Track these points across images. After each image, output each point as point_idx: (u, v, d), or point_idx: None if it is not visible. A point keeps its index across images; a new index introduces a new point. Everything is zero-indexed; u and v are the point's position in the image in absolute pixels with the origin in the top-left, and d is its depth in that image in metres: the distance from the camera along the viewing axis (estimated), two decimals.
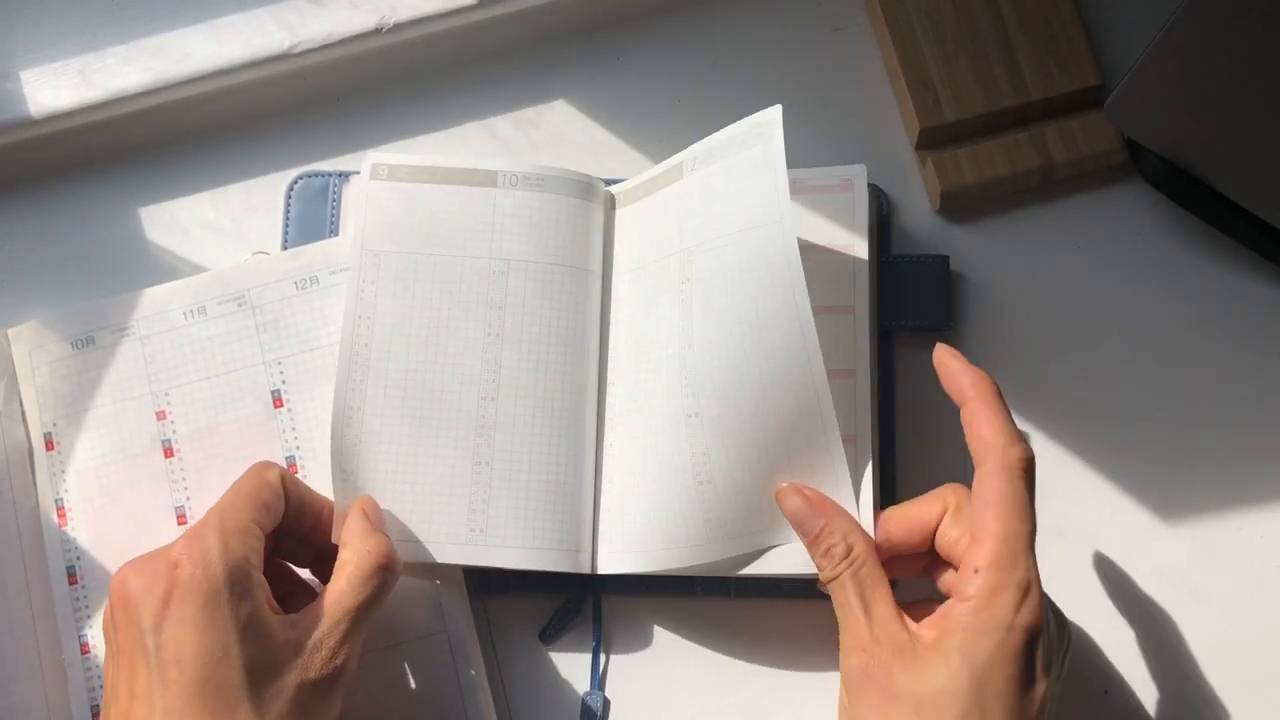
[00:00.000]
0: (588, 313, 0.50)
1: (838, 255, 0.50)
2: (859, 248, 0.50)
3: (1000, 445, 0.42)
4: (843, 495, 0.45)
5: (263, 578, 0.41)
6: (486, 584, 0.50)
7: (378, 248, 0.49)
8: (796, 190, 0.51)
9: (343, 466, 0.47)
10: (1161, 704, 0.49)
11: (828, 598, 0.45)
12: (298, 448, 0.49)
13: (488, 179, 0.50)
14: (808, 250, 0.50)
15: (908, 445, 0.51)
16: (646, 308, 0.49)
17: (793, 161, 0.54)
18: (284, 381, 0.50)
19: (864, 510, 0.48)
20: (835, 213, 0.51)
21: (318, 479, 0.49)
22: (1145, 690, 0.49)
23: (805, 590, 0.49)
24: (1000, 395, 0.44)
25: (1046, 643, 0.41)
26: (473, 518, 0.48)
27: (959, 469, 0.51)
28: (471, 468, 0.48)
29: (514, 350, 0.49)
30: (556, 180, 0.50)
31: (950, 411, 0.52)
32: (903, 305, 0.51)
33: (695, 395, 0.47)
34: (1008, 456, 0.42)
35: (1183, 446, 0.52)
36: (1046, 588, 0.50)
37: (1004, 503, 0.41)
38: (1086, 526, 0.51)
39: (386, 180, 0.50)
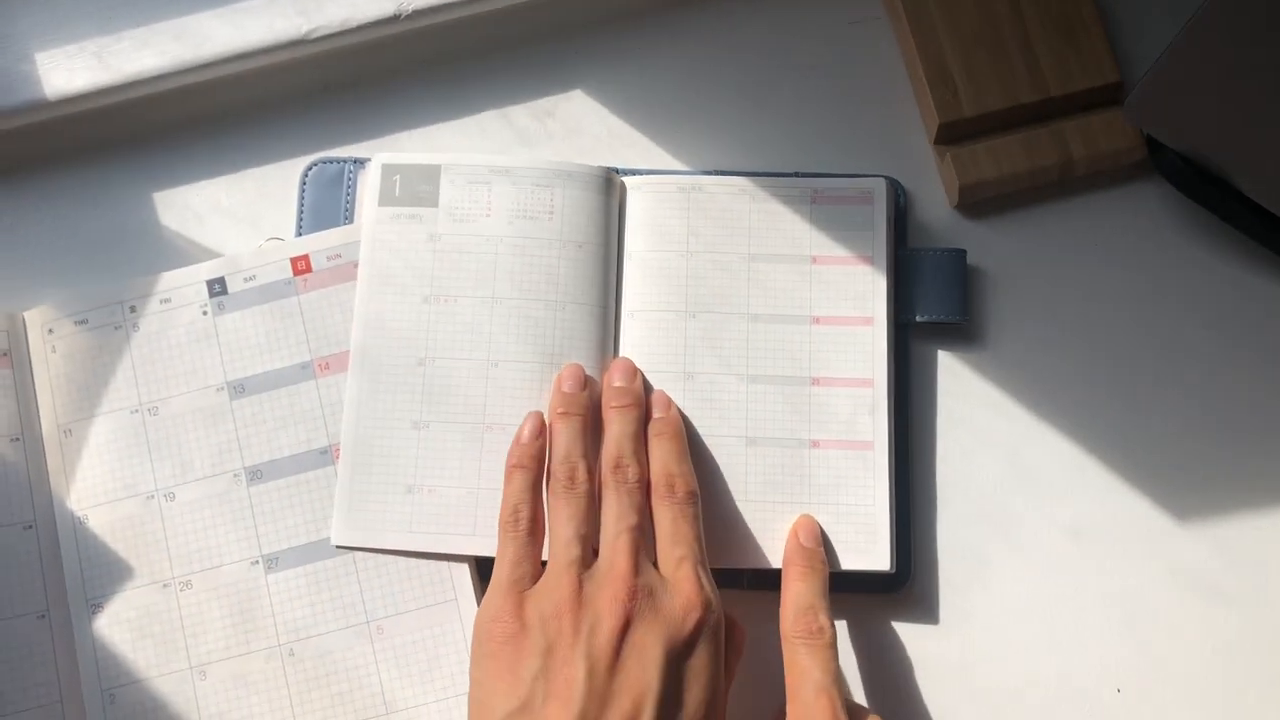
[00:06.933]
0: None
1: (856, 267, 0.50)
2: (878, 260, 0.50)
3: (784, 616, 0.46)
4: None
5: None
6: None
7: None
8: (815, 199, 0.51)
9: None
10: (1175, 703, 0.49)
11: (830, 590, 0.47)
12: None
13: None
14: (826, 261, 0.50)
15: (922, 443, 0.51)
16: None
17: (811, 157, 0.54)
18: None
19: (879, 513, 0.48)
20: (854, 224, 0.51)
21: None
22: (1159, 689, 0.49)
23: None
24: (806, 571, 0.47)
25: None
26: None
27: (970, 461, 0.51)
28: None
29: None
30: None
31: (963, 407, 0.52)
32: (919, 299, 0.51)
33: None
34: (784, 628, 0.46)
35: (1200, 445, 0.51)
36: (1060, 586, 0.50)
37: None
38: (1103, 524, 0.51)
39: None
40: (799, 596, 0.46)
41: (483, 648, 0.43)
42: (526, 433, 0.47)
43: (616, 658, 0.41)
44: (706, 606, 0.43)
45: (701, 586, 0.43)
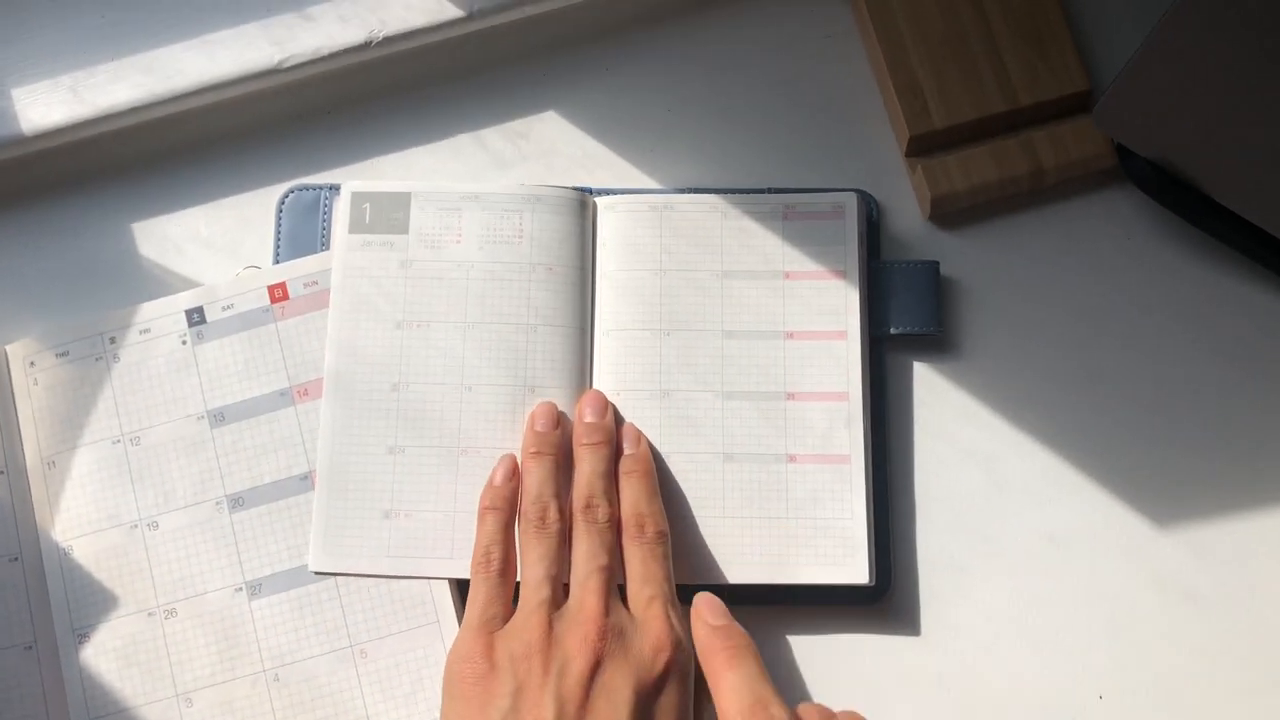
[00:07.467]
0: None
1: (828, 281, 0.51)
2: (850, 274, 0.51)
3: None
4: None
5: None
6: None
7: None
8: (787, 215, 0.51)
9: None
10: (1157, 708, 0.49)
11: (811, 603, 0.47)
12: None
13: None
14: (798, 276, 0.50)
15: (898, 454, 0.52)
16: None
17: (785, 172, 0.54)
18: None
19: (856, 526, 0.49)
20: (825, 239, 0.51)
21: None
22: (1141, 694, 0.50)
23: (794, 597, 0.49)
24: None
25: None
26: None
27: (948, 471, 0.52)
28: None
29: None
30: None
31: (939, 417, 0.52)
32: (893, 311, 0.52)
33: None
34: None
35: (1176, 451, 0.52)
36: (1041, 594, 0.50)
37: None
38: (1080, 531, 0.51)
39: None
40: (736, 691, 0.41)
41: (453, 689, 0.43)
42: (499, 476, 0.48)
43: (586, 698, 0.41)
44: (676, 646, 0.43)
45: (671, 627, 0.43)
